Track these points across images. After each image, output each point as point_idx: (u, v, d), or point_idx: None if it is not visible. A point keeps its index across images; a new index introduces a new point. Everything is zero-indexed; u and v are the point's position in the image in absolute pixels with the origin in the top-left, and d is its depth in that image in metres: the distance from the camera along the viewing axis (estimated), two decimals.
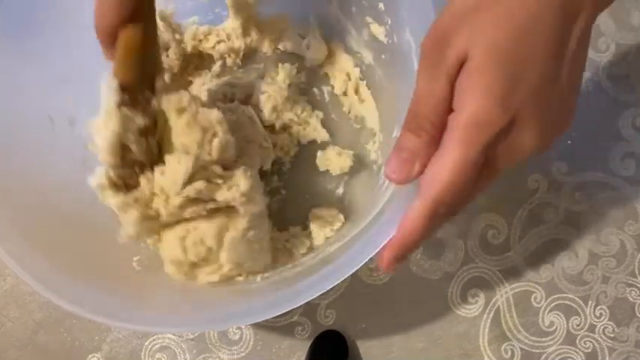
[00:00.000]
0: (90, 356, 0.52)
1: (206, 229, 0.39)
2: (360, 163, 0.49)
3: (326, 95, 0.52)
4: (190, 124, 0.37)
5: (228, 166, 0.39)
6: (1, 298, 0.53)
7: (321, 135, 0.50)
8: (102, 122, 0.35)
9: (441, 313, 0.52)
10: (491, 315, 0.52)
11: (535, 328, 0.52)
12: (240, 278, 0.42)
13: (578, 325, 0.52)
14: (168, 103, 0.37)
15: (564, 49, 0.28)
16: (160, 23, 0.47)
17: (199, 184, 0.37)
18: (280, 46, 0.52)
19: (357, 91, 0.51)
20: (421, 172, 0.30)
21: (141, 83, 0.36)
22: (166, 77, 0.48)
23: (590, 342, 0.52)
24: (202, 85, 0.49)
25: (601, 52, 0.55)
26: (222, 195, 0.38)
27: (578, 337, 0.52)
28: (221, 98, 0.48)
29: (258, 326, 0.52)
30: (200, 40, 0.51)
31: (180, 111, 0.37)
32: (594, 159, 0.53)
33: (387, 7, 0.43)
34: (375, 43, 0.46)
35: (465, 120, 0.28)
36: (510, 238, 0.53)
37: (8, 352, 0.53)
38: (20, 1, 0.43)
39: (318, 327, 0.52)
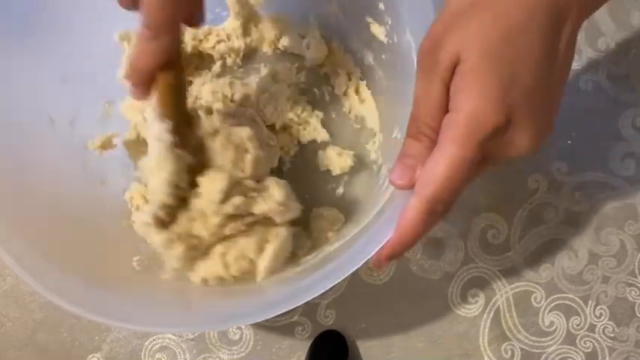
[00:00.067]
0: (90, 356, 0.52)
1: (246, 243, 0.39)
2: (360, 163, 0.49)
3: (326, 95, 0.52)
4: (224, 144, 0.38)
5: (258, 179, 0.40)
6: (1, 298, 0.53)
7: (321, 135, 0.50)
8: (155, 164, 0.36)
9: (441, 313, 0.52)
10: (491, 315, 0.52)
11: (535, 328, 0.52)
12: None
13: (578, 325, 0.52)
14: (203, 128, 0.38)
15: (555, 50, 0.28)
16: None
17: (236, 200, 0.38)
18: (280, 46, 0.52)
19: (357, 91, 0.51)
20: None
21: (182, 121, 0.38)
22: None
23: (590, 342, 0.52)
24: (202, 85, 0.49)
25: (601, 52, 0.55)
26: (260, 207, 0.38)
27: (578, 337, 0.52)
28: (221, 98, 0.48)
29: (258, 326, 0.52)
30: (200, 40, 0.51)
31: (214, 133, 0.38)
32: (594, 159, 0.54)
33: (387, 7, 0.43)
34: (375, 43, 0.46)
35: (460, 119, 0.28)
36: (510, 238, 0.53)
37: (8, 352, 0.53)
38: (20, 2, 0.43)
39: (318, 327, 0.52)
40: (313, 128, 0.50)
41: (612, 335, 0.52)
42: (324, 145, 0.50)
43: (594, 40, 0.55)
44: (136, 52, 0.35)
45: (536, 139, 0.29)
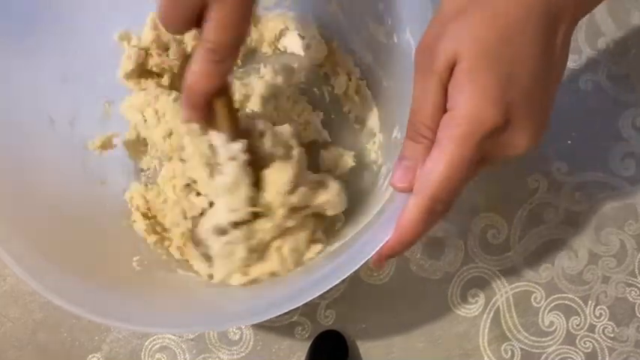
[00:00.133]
0: (90, 356, 0.52)
1: (299, 236, 0.40)
2: (360, 163, 0.49)
3: (326, 95, 0.52)
4: (274, 143, 0.40)
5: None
6: (1, 298, 0.53)
7: (322, 135, 0.50)
8: (233, 183, 0.37)
9: (441, 313, 0.52)
10: (491, 315, 0.52)
11: (535, 328, 0.52)
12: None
13: (578, 325, 0.52)
14: (253, 132, 0.39)
15: (552, 50, 0.28)
16: (159, 23, 0.47)
17: (302, 190, 0.39)
18: (280, 46, 0.52)
19: (357, 91, 0.51)
20: None
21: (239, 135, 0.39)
22: (166, 77, 0.49)
23: (590, 342, 0.52)
24: None
25: (601, 52, 0.55)
26: (320, 199, 0.40)
27: (578, 337, 0.52)
28: None
29: (258, 326, 0.52)
30: None
31: (262, 135, 0.39)
32: (594, 159, 0.53)
33: (387, 7, 0.43)
34: (375, 43, 0.46)
35: (459, 119, 0.28)
36: (510, 238, 0.53)
37: (8, 352, 0.53)
38: (20, 2, 0.43)
39: (318, 327, 0.52)
40: (313, 128, 0.50)
41: (612, 335, 0.52)
42: (324, 145, 0.50)
43: (594, 40, 0.55)
44: (198, 75, 0.33)
45: (535, 139, 0.29)
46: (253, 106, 0.48)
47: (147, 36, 0.47)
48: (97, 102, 0.50)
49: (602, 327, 0.52)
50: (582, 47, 0.54)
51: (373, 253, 0.33)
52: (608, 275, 0.52)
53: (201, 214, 0.42)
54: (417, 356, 0.52)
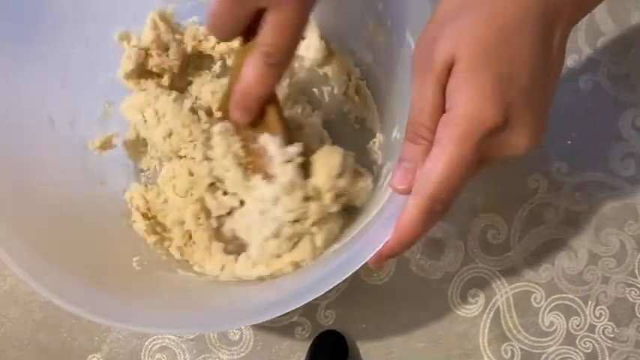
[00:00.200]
0: (90, 356, 0.52)
1: (334, 227, 0.41)
2: (360, 163, 0.49)
3: (326, 95, 0.52)
4: (311, 135, 0.42)
5: None
6: (1, 298, 0.53)
7: (322, 135, 0.50)
8: (290, 185, 0.39)
9: (441, 313, 0.52)
10: (491, 315, 0.52)
11: (535, 329, 0.52)
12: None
13: (578, 326, 0.52)
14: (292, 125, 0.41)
15: (550, 50, 0.28)
16: (159, 23, 0.47)
17: (348, 177, 0.40)
18: None
19: (357, 91, 0.51)
20: None
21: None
22: (166, 78, 0.49)
23: (590, 342, 0.52)
24: (202, 85, 0.49)
25: (601, 52, 0.55)
26: (359, 185, 0.41)
27: (578, 338, 0.52)
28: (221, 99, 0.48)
29: (258, 326, 0.52)
30: (200, 41, 0.51)
31: (299, 127, 0.42)
32: (594, 159, 0.53)
33: (386, 7, 0.43)
34: (374, 43, 0.46)
35: (459, 119, 0.28)
36: (510, 238, 0.53)
37: (8, 352, 0.53)
38: (20, 2, 0.43)
39: (318, 327, 0.52)
40: (313, 128, 0.50)
41: (612, 336, 0.52)
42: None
43: (594, 40, 0.55)
44: (253, 78, 0.34)
45: (534, 139, 0.29)
46: None
47: (147, 36, 0.47)
48: (97, 102, 0.50)
49: (602, 327, 0.52)
50: (582, 47, 0.54)
51: (373, 253, 0.33)
52: (608, 275, 0.52)
53: (229, 213, 0.42)
54: (417, 356, 0.52)
